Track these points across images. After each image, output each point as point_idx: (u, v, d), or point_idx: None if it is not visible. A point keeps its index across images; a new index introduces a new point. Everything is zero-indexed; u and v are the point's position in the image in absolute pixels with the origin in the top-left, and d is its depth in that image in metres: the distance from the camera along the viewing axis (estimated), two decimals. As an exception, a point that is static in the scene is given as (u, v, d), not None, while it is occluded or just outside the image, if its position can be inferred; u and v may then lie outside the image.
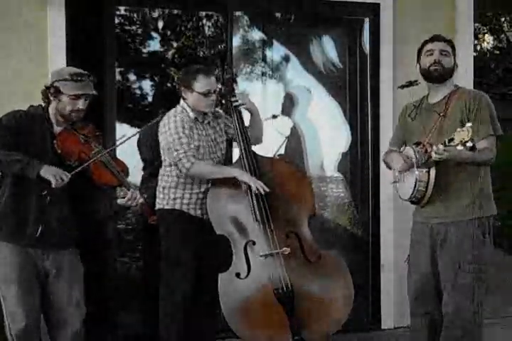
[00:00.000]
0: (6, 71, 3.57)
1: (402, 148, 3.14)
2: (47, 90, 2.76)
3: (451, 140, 2.57)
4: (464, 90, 3.04)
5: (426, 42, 3.03)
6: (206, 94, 3.25)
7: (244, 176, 3.17)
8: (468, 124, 2.54)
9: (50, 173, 2.56)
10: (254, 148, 3.38)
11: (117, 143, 2.96)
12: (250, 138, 3.39)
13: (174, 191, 3.29)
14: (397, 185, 3.12)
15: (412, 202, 3.03)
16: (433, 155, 2.72)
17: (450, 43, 3.03)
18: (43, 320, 2.83)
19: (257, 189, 3.12)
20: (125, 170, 2.89)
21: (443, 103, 2.98)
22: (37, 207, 2.70)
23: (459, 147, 2.52)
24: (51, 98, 2.75)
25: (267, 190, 3.15)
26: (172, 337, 3.25)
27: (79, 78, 2.74)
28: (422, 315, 3.06)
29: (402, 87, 3.22)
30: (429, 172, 2.87)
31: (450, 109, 2.94)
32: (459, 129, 2.54)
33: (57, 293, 2.79)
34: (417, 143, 2.95)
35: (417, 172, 2.86)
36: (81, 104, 2.74)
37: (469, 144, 2.49)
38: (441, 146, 2.65)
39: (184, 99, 3.32)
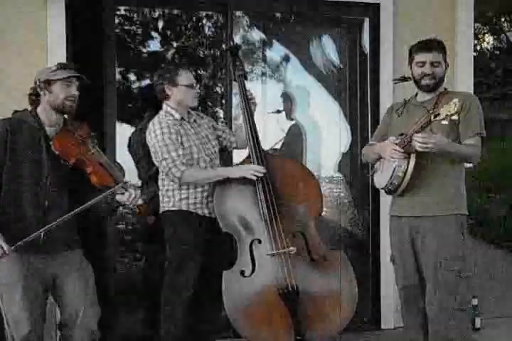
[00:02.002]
0: (6, 71, 3.56)
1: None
2: (36, 87, 2.74)
3: (436, 115, 2.60)
4: (454, 92, 3.06)
5: (417, 51, 3.00)
6: (191, 86, 3.27)
7: (236, 172, 3.17)
8: (455, 99, 2.58)
9: None
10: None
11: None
12: (239, 141, 3.43)
13: (179, 192, 3.25)
14: (374, 175, 3.12)
15: (389, 191, 3.01)
16: (416, 145, 2.74)
17: (441, 50, 3.00)
18: (56, 323, 2.82)
19: (256, 175, 3.11)
20: (122, 171, 2.88)
21: (433, 101, 2.99)
22: (37, 211, 2.68)
23: (444, 122, 2.54)
24: (41, 93, 2.73)
25: (264, 171, 3.13)
26: (174, 338, 3.22)
27: (67, 67, 2.77)
28: (415, 314, 3.07)
29: (396, 81, 3.24)
30: (409, 158, 2.86)
31: (440, 107, 2.94)
32: (445, 104, 2.60)
33: (70, 295, 2.76)
34: (401, 134, 2.95)
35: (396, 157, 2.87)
36: (74, 90, 2.73)
37: (455, 117, 2.55)
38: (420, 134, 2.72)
39: (167, 97, 3.29)
